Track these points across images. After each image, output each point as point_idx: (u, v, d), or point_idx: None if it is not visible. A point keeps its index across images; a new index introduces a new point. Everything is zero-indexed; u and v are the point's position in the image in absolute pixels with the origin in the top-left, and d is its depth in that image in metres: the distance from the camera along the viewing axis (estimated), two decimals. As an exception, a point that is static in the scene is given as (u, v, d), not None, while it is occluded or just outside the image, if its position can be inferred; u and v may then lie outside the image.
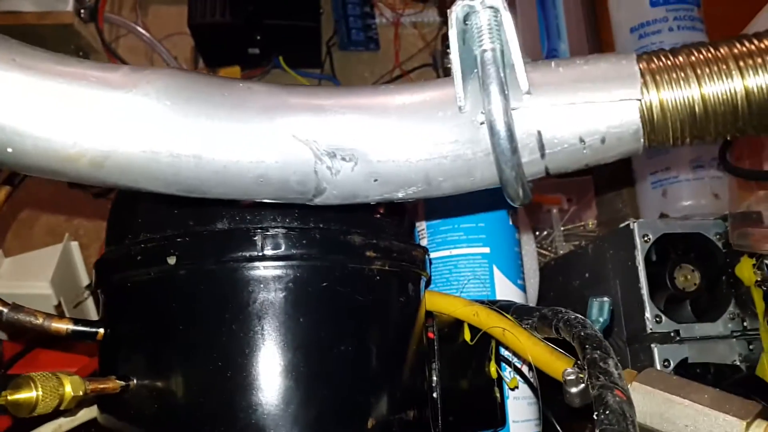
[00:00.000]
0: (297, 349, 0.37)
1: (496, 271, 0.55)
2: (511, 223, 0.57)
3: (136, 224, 0.42)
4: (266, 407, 0.36)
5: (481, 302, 0.46)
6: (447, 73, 0.34)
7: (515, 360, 0.50)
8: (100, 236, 0.79)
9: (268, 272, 0.38)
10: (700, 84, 0.32)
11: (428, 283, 0.49)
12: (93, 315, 0.68)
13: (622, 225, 0.57)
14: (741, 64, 0.31)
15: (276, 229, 0.39)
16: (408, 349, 0.43)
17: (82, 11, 0.88)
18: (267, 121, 0.32)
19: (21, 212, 0.92)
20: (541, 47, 0.93)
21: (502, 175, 0.32)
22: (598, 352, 0.34)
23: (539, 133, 0.32)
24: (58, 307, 0.63)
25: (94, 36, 0.91)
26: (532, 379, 0.51)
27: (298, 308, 0.38)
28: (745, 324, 0.55)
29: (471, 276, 0.54)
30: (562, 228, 0.83)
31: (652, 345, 0.53)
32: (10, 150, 0.30)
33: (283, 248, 0.38)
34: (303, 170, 0.33)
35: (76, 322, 0.42)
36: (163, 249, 0.39)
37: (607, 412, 0.30)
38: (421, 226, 0.57)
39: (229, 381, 0.37)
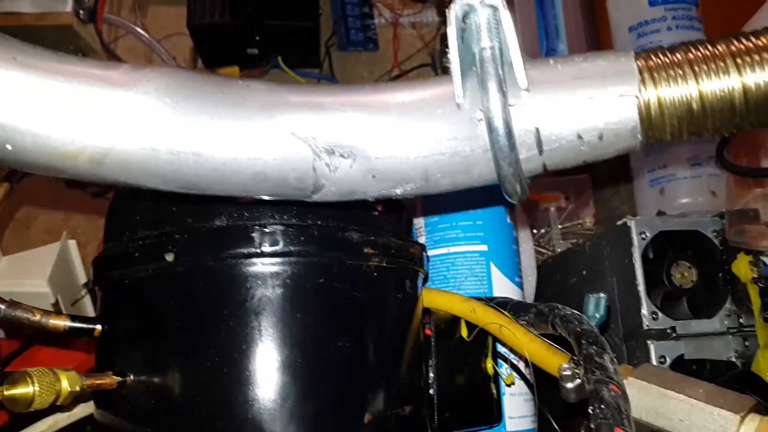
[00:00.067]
0: (294, 345, 0.38)
1: (493, 268, 0.55)
2: (508, 220, 0.57)
3: (134, 221, 0.42)
4: (263, 402, 0.36)
5: (478, 299, 0.47)
6: (445, 72, 0.34)
7: (512, 356, 0.50)
8: (98, 235, 0.79)
9: (265, 269, 0.38)
10: (697, 81, 0.32)
11: (426, 280, 0.49)
12: (90, 313, 0.68)
13: (619, 222, 0.57)
14: (738, 61, 0.32)
15: (274, 226, 0.39)
16: (405, 345, 0.43)
17: (81, 12, 0.88)
18: (266, 119, 0.32)
19: (19, 211, 0.92)
20: (540, 47, 0.93)
21: (500, 172, 0.32)
22: (594, 347, 0.35)
23: (537, 129, 0.32)
24: (56, 305, 0.63)
25: (93, 37, 0.91)
26: (528, 376, 0.51)
27: (296, 304, 0.38)
28: (741, 321, 0.55)
29: (468, 273, 0.55)
30: (559, 226, 0.83)
31: (649, 342, 0.53)
32: (9, 147, 0.30)
33: (280, 245, 0.38)
34: (301, 167, 0.33)
35: (73, 318, 0.42)
36: (161, 246, 0.39)
37: (603, 406, 0.30)
38: (419, 223, 0.57)
39: (226, 377, 0.37)
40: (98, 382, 0.38)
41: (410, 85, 0.34)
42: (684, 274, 0.56)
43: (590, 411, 0.30)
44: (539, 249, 0.81)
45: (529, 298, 0.68)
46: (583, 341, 0.36)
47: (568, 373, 0.36)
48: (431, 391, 0.45)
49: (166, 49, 0.99)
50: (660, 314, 0.53)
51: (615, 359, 0.34)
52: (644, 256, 0.55)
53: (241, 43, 0.98)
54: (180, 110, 0.31)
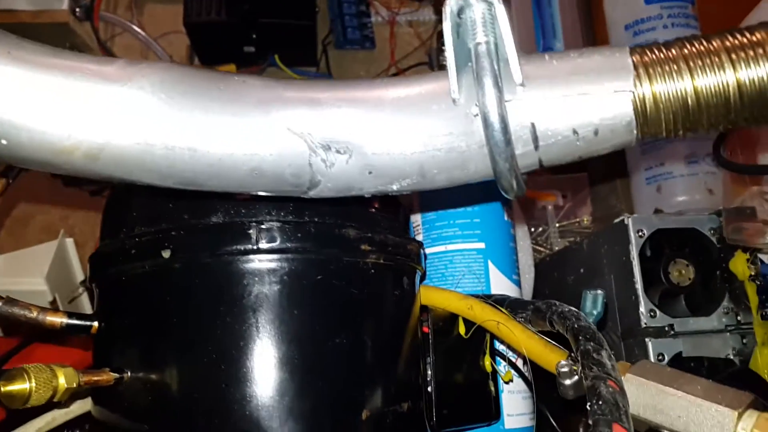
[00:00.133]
0: (291, 342, 0.38)
1: (491, 266, 0.55)
2: (506, 218, 0.57)
3: (130, 218, 0.42)
4: (261, 399, 0.36)
5: (476, 296, 0.47)
6: (442, 70, 0.34)
7: (510, 353, 0.50)
8: (95, 233, 0.79)
9: (262, 265, 0.38)
10: (692, 76, 0.32)
11: (423, 277, 0.49)
12: (88, 311, 0.68)
13: (616, 220, 0.57)
14: (733, 56, 0.32)
15: (271, 223, 0.39)
16: (403, 342, 0.43)
17: (78, 10, 0.88)
18: (262, 114, 0.32)
19: (16, 210, 0.92)
20: (537, 46, 0.93)
21: (496, 167, 0.32)
22: (592, 343, 0.35)
23: (533, 125, 0.32)
24: (53, 303, 0.63)
25: (90, 34, 0.91)
26: (526, 373, 0.51)
27: (293, 301, 0.38)
28: (738, 318, 0.55)
29: (466, 271, 0.55)
30: (557, 224, 0.83)
31: (647, 339, 0.53)
32: (4, 142, 0.30)
33: (278, 241, 0.38)
34: (297, 163, 0.33)
35: (70, 315, 0.42)
36: (158, 242, 0.39)
37: (600, 402, 0.30)
38: (417, 221, 0.57)
39: (223, 373, 0.37)
40: (95, 378, 0.38)
41: (406, 80, 0.34)
42: (681, 272, 0.56)
43: (588, 407, 0.30)
44: (537, 247, 0.81)
45: (527, 295, 0.68)
46: (580, 338, 0.36)
47: (565, 369, 0.36)
48: (429, 389, 0.45)
49: (162, 47, 0.99)
50: (658, 312, 0.53)
51: (612, 355, 0.34)
52: (642, 254, 0.55)
53: (237, 41, 0.97)
54: (175, 105, 0.31)
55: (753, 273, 0.53)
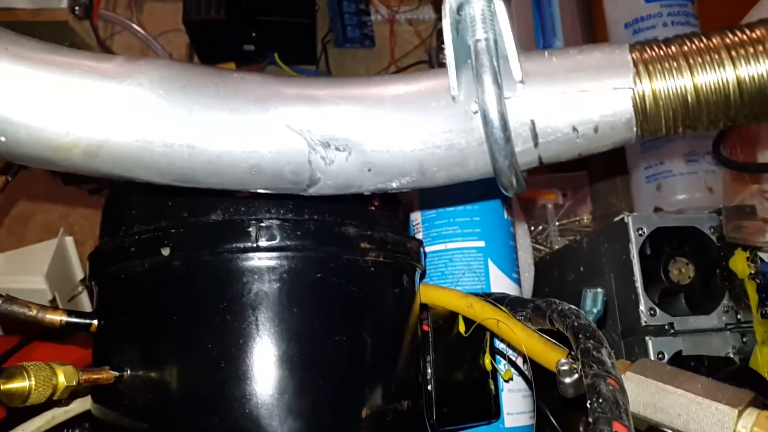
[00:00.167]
0: (291, 340, 0.37)
1: (491, 264, 0.55)
2: (506, 216, 0.57)
3: (130, 216, 0.42)
4: (260, 397, 0.36)
5: (476, 295, 0.46)
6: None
7: (510, 352, 0.50)
8: (95, 232, 0.79)
9: (262, 263, 0.38)
10: (692, 73, 0.32)
11: (423, 275, 0.49)
12: (87, 309, 0.68)
13: (616, 219, 0.57)
14: (733, 53, 0.32)
15: (270, 220, 0.39)
16: (402, 340, 0.43)
17: (77, 8, 0.88)
18: (261, 111, 0.32)
19: (16, 209, 0.92)
20: (537, 44, 0.93)
21: (496, 164, 0.32)
22: (592, 341, 0.35)
23: (532, 122, 0.32)
24: (53, 301, 0.63)
25: (89, 33, 0.91)
26: (526, 371, 0.51)
27: (293, 299, 0.38)
28: (738, 317, 0.55)
29: (466, 269, 0.55)
30: (557, 223, 0.83)
31: (647, 338, 0.53)
32: (3, 139, 0.30)
33: (277, 239, 0.38)
34: (297, 160, 0.33)
35: (70, 313, 0.42)
36: (158, 240, 0.39)
37: (600, 400, 0.30)
38: (416, 219, 0.57)
39: (223, 371, 0.37)
40: (95, 376, 0.38)
41: (405, 78, 0.34)
42: (681, 271, 0.56)
43: (588, 405, 0.30)
44: (537, 246, 0.81)
45: (527, 294, 0.68)
46: (580, 336, 0.35)
47: (565, 368, 0.36)
48: (429, 387, 0.45)
49: (162, 46, 0.99)
50: (658, 310, 0.53)
51: (612, 353, 0.34)
52: (641, 253, 0.55)
53: (237, 39, 0.97)
54: (174, 102, 0.31)
55: (753, 271, 0.53)
